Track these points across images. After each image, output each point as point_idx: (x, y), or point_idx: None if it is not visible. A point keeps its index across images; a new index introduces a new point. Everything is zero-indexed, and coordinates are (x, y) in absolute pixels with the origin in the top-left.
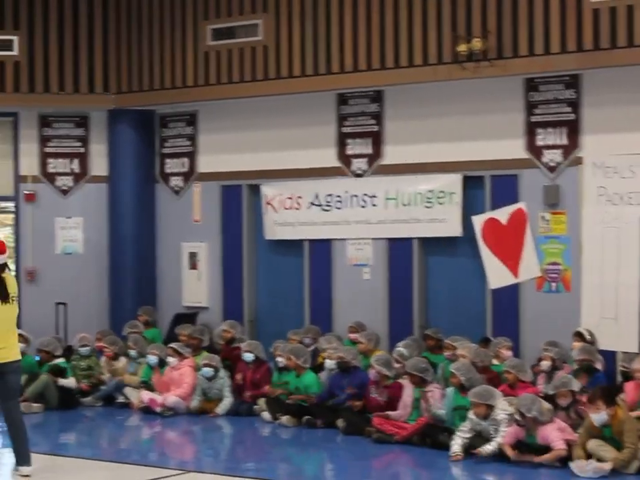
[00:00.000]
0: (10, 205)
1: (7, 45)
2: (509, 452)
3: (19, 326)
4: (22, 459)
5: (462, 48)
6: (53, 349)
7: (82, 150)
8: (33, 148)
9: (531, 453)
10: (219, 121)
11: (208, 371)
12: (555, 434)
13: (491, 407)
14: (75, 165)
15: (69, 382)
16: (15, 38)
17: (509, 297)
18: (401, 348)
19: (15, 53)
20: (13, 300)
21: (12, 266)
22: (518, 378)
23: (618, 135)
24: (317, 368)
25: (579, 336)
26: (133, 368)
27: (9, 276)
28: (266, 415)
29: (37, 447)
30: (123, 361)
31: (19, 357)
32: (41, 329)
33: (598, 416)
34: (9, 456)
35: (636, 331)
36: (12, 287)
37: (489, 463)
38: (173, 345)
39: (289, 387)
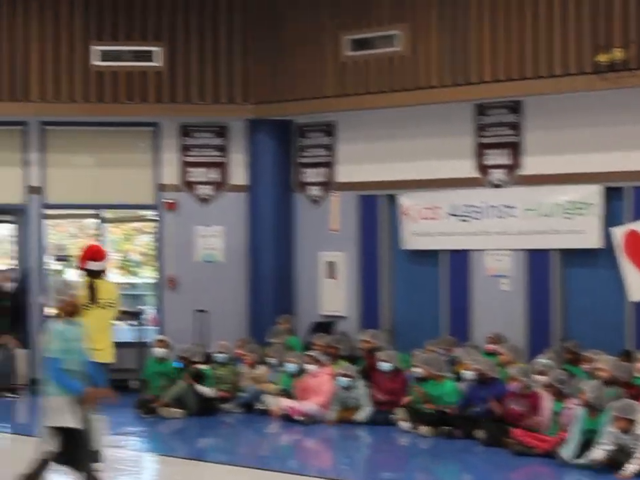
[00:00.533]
0: (151, 213)
1: (149, 56)
2: None
3: (160, 332)
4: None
5: (602, 58)
6: (191, 355)
7: (222, 159)
8: (173, 157)
9: None
10: (357, 131)
11: (344, 381)
12: None
13: (632, 422)
14: (215, 174)
15: (207, 389)
16: (156, 49)
17: None
18: (542, 359)
19: (156, 63)
20: (106, 305)
21: (151, 273)
22: None
23: None
24: (455, 378)
25: None
26: (274, 377)
27: (105, 282)
28: (404, 425)
29: (176, 451)
30: (262, 368)
31: (112, 360)
32: (181, 336)
33: None
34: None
35: None
36: (106, 292)
37: None
38: (312, 353)
39: (428, 397)
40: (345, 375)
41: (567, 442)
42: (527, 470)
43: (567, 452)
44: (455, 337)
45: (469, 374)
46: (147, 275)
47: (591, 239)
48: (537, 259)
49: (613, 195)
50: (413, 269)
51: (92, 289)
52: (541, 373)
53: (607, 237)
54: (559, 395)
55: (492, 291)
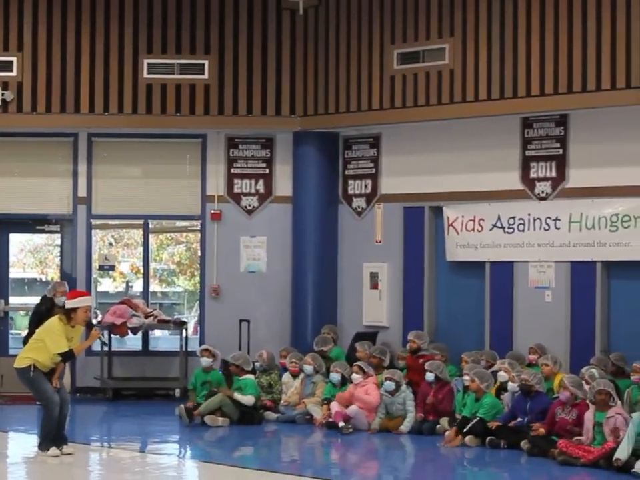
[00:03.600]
0: (196, 223)
1: (198, 69)
2: None
3: (203, 341)
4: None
5: None
6: (242, 363)
7: (267, 171)
8: (220, 168)
9: None
10: (402, 143)
11: (390, 384)
12: None
13: None
14: (260, 186)
15: (246, 398)
16: (205, 62)
17: None
18: (592, 369)
19: (205, 76)
20: None
21: (186, 282)
22: None
23: None
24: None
25: None
26: (310, 388)
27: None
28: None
29: (218, 459)
30: (301, 378)
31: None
32: (224, 345)
33: None
34: None
35: None
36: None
37: None
38: (358, 362)
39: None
40: (390, 379)
41: (620, 447)
42: None
43: (621, 454)
44: (498, 348)
45: (513, 386)
46: (183, 284)
47: (637, 252)
48: (581, 271)
49: None
50: (456, 280)
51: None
52: (588, 383)
53: None
54: (605, 406)
55: (535, 302)
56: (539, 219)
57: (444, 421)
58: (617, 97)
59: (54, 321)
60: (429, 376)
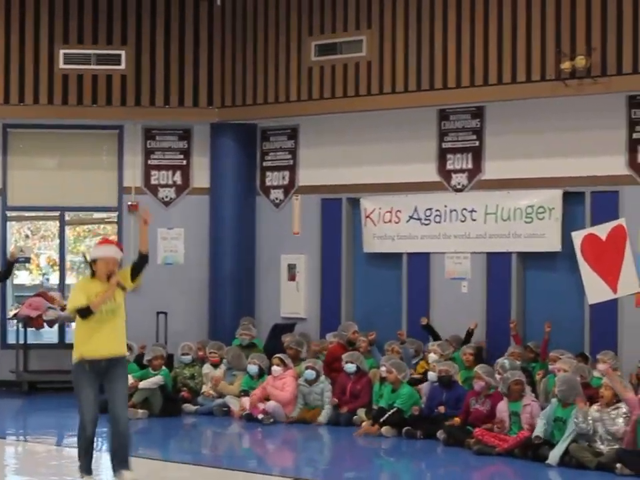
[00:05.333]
0: (113, 215)
1: (115, 60)
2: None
3: None
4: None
5: (565, 65)
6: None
7: (184, 162)
8: (137, 160)
9: None
10: (320, 134)
11: (310, 373)
12: None
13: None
14: (178, 177)
15: (154, 379)
16: (122, 52)
17: (607, 313)
18: (503, 360)
19: (122, 67)
20: None
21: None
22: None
23: None
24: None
25: None
26: (230, 377)
27: None
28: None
29: (140, 451)
30: (222, 369)
31: None
32: (142, 338)
33: None
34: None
35: None
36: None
37: (590, 473)
38: (279, 355)
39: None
40: (311, 368)
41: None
42: (489, 469)
43: (539, 431)
44: (417, 338)
45: (433, 375)
46: None
47: (551, 243)
48: (496, 262)
49: (572, 200)
50: (374, 271)
51: None
52: (499, 374)
53: (567, 241)
54: (519, 395)
55: (452, 293)
56: (455, 210)
57: (361, 412)
58: (532, 89)
59: (79, 280)
60: (350, 367)
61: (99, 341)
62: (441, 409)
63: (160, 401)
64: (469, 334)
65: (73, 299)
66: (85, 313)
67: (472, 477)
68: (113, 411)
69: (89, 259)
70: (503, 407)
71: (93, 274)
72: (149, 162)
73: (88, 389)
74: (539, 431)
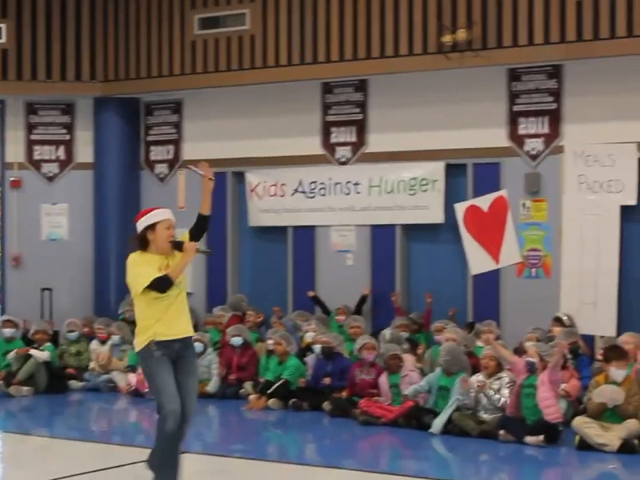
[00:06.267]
0: None
1: None
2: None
3: (4, 311)
4: None
5: (447, 38)
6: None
7: (68, 137)
8: (19, 135)
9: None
10: (205, 108)
11: (199, 346)
12: None
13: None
14: (61, 152)
15: (42, 354)
16: (2, 25)
17: (489, 283)
18: (385, 331)
19: (2, 40)
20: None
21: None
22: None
23: (598, 124)
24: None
25: (558, 321)
26: (117, 353)
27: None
28: (253, 398)
29: (26, 429)
30: (109, 345)
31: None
32: (26, 314)
33: (619, 372)
34: None
35: (614, 316)
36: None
37: (473, 440)
38: None
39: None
40: (198, 341)
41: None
42: (374, 439)
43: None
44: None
45: (317, 347)
46: None
47: (434, 215)
48: (381, 234)
49: (455, 172)
50: (260, 245)
51: None
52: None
53: (450, 213)
54: (397, 367)
55: (337, 265)
56: (339, 183)
57: (248, 385)
58: (415, 62)
59: (129, 257)
60: (236, 340)
61: (170, 318)
62: (326, 380)
63: (45, 378)
64: (362, 302)
65: (141, 274)
66: (165, 284)
67: (358, 447)
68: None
69: (139, 228)
70: (383, 379)
71: (145, 246)
72: (32, 137)
73: (165, 374)
74: (409, 390)
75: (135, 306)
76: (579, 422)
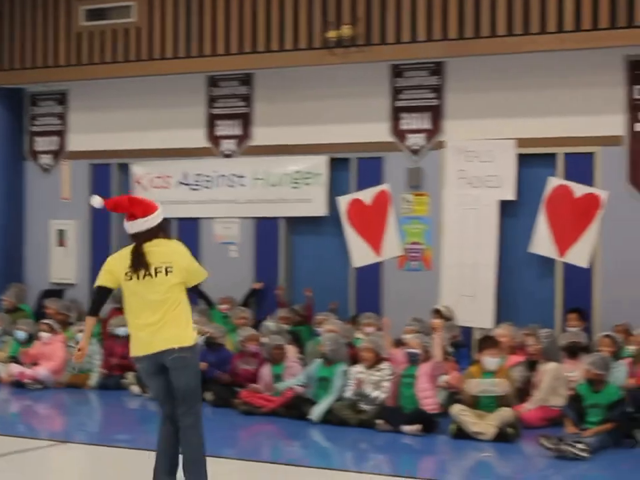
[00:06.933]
0: None
1: None
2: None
3: None
4: None
5: (331, 34)
6: None
7: None
8: None
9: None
10: (90, 100)
11: (80, 336)
12: None
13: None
14: None
15: None
16: None
17: (371, 275)
18: (269, 323)
19: None
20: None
21: None
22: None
23: (479, 121)
24: None
25: (438, 313)
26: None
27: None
28: (135, 389)
29: None
30: None
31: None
32: None
33: (492, 361)
34: None
35: (491, 307)
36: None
37: (352, 430)
38: (47, 321)
39: None
40: (80, 332)
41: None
42: (255, 428)
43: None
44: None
45: (200, 338)
46: None
47: (317, 208)
48: (265, 227)
49: (338, 166)
50: None
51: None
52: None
53: (333, 206)
54: (281, 358)
55: (221, 257)
56: (224, 175)
57: (130, 375)
58: (300, 57)
59: (180, 245)
60: (121, 330)
61: None
62: (203, 365)
63: None
64: (251, 295)
65: (201, 267)
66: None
67: (239, 436)
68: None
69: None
70: (265, 371)
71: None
72: None
73: None
74: (288, 383)
75: (176, 297)
76: (456, 410)
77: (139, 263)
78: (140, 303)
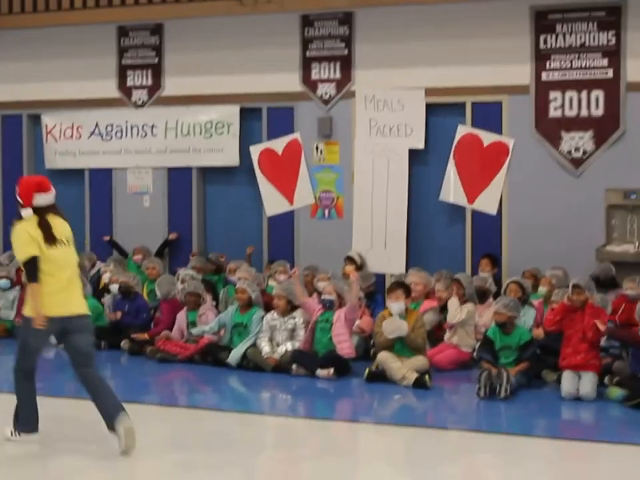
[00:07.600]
0: None
1: None
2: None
3: None
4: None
5: None
6: None
7: None
8: None
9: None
10: (8, 50)
11: (5, 282)
12: None
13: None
14: None
15: None
16: None
17: (284, 224)
18: (184, 271)
19: None
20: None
21: None
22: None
23: (388, 70)
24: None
25: (350, 260)
26: None
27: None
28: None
29: None
30: None
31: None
32: None
33: (397, 305)
34: None
35: (403, 255)
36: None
37: (267, 375)
38: None
39: None
40: (6, 277)
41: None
42: (171, 375)
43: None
44: (99, 253)
45: (114, 287)
46: None
47: (230, 158)
48: (177, 177)
49: (250, 115)
50: (57, 188)
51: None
52: (183, 282)
53: (245, 156)
54: (196, 305)
55: (135, 207)
56: (136, 126)
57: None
58: (210, 7)
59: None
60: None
61: None
62: (118, 314)
63: None
64: (165, 245)
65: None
66: None
67: (156, 382)
68: None
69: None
70: (181, 316)
71: None
72: None
73: None
74: (196, 330)
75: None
76: (384, 357)
77: None
78: None
